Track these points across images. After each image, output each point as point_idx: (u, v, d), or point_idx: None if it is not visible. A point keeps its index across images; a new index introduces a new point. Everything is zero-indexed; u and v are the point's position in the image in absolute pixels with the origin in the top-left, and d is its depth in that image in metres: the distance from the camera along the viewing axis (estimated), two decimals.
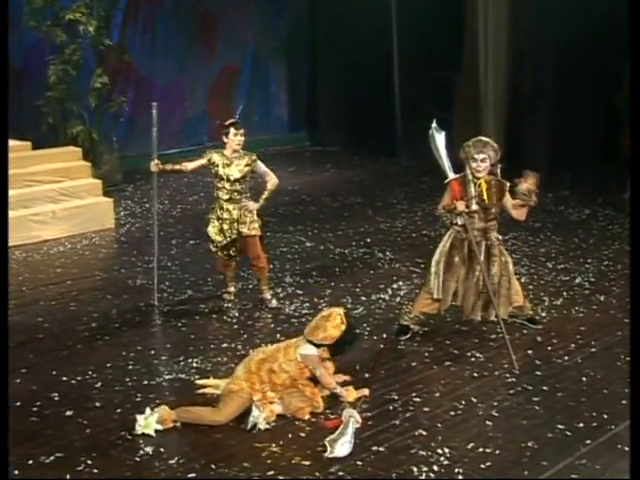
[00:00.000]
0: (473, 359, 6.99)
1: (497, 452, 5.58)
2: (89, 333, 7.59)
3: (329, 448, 5.48)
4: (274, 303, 8.13)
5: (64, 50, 12.35)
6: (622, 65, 12.51)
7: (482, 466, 5.41)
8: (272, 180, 7.98)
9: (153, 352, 7.17)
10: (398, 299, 8.34)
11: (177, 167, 8.13)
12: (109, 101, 13.01)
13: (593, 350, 7.16)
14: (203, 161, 8.02)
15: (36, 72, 12.61)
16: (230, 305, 8.18)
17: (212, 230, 8.08)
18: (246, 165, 7.90)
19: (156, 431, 5.73)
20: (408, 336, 7.39)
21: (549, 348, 7.19)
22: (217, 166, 7.92)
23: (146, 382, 6.60)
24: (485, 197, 7.12)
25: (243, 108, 16.00)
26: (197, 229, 10.83)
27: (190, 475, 5.32)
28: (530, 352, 7.06)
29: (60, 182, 11.10)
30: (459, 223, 7.12)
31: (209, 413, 5.86)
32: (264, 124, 16.08)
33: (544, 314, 7.91)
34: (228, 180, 7.91)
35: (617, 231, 10.62)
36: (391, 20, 15.06)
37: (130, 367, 6.87)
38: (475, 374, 6.72)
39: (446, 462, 5.45)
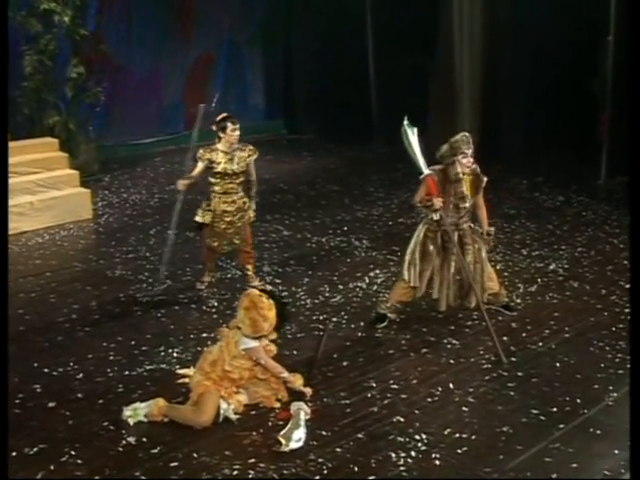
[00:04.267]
0: (449, 346, 7.11)
1: (473, 437, 5.70)
2: (69, 325, 7.65)
3: (284, 443, 5.52)
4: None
5: (39, 40, 12.30)
6: (598, 51, 12.64)
7: (459, 451, 5.54)
8: (254, 180, 8.20)
9: (133, 343, 7.23)
10: (375, 287, 8.44)
11: (192, 181, 8.08)
12: (85, 91, 12.99)
13: (567, 336, 7.28)
14: (201, 165, 7.99)
15: (11, 62, 12.52)
16: (209, 295, 8.26)
17: (219, 225, 8.12)
18: (248, 156, 8.03)
19: (140, 422, 5.80)
20: (385, 324, 7.49)
21: (524, 334, 7.32)
22: (218, 164, 7.94)
23: (127, 372, 6.68)
24: (468, 193, 7.24)
25: (219, 97, 16.06)
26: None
27: (173, 464, 5.41)
28: (505, 338, 7.15)
29: (38, 173, 11.11)
30: (435, 219, 7.19)
31: (194, 415, 5.86)
32: (240, 112, 15.80)
33: (519, 300, 8.03)
34: (234, 174, 7.98)
35: (591, 217, 10.74)
36: (366, 8, 15.11)
37: (111, 358, 6.95)
38: (451, 361, 6.84)
39: (423, 448, 5.57)
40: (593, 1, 12.32)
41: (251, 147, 8.11)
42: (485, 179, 7.32)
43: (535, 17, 13.03)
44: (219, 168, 7.97)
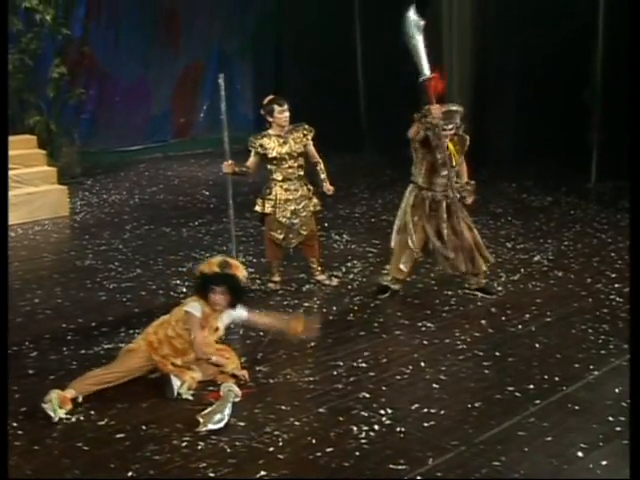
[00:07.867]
0: (424, 328, 6.77)
1: (442, 412, 5.36)
2: (30, 308, 7.37)
3: (202, 422, 5.14)
4: (335, 281, 7.87)
5: (21, 39, 12.10)
6: (590, 58, 12.39)
7: (425, 425, 5.20)
8: (319, 160, 7.74)
9: (94, 324, 6.93)
10: (351, 276, 8.11)
11: (244, 169, 7.49)
12: (67, 92, 12.76)
13: (548, 320, 6.93)
14: (254, 153, 7.44)
15: None
16: (179, 282, 7.94)
17: (283, 214, 7.58)
18: (304, 136, 7.51)
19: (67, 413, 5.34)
20: (387, 295, 7.41)
21: (503, 318, 6.97)
22: (272, 149, 7.41)
23: (83, 351, 6.38)
24: (455, 157, 7.11)
25: (208, 106, 15.83)
26: (152, 216, 10.66)
27: (119, 435, 5.09)
28: (483, 322, 6.84)
29: (14, 169, 10.83)
30: (433, 123, 6.81)
31: (102, 370, 5.62)
32: (230, 122, 15.70)
33: (500, 288, 7.70)
34: (292, 157, 7.48)
35: (579, 215, 10.36)
36: (355, 18, 14.94)
37: (69, 338, 6.66)
38: (425, 342, 6.50)
39: (388, 422, 5.24)
40: (582, 4, 12.12)
41: (306, 126, 7.53)
42: (467, 137, 7.17)
43: (525, 20, 12.84)
44: (274, 153, 7.39)
